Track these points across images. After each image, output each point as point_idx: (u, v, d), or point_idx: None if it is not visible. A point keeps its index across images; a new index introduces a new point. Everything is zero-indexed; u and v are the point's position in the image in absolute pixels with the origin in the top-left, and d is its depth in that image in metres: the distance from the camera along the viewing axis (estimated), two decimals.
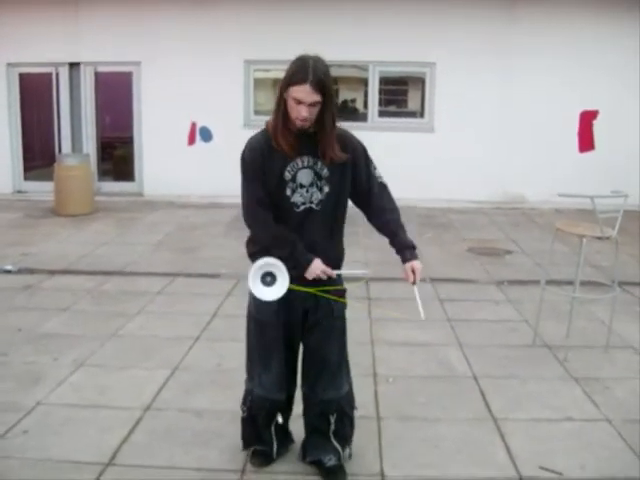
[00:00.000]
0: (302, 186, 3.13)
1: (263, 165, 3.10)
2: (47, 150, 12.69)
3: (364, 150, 3.29)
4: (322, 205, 3.17)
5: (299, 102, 2.94)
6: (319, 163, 3.13)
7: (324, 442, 3.45)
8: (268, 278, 3.00)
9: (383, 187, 3.31)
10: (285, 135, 3.05)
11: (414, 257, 3.21)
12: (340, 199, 3.23)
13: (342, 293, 3.36)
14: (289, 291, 3.18)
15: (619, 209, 5.08)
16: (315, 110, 2.99)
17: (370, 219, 3.35)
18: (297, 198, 3.14)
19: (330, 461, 3.45)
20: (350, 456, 3.56)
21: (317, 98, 2.95)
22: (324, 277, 3.11)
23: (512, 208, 11.70)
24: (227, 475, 3.53)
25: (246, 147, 3.18)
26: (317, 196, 3.15)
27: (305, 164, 3.12)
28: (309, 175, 3.13)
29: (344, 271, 3.19)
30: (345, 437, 3.50)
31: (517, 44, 11.52)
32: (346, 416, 3.46)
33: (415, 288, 3.16)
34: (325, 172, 3.14)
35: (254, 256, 3.23)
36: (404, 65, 12.12)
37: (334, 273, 3.14)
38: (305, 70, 2.93)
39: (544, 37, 11.41)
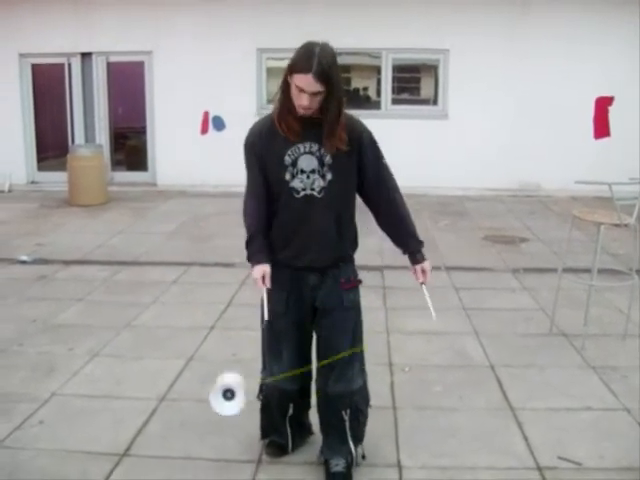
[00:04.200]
0: (303, 172, 3.07)
1: (261, 149, 3.10)
2: (60, 141, 12.67)
3: (371, 139, 3.19)
4: (325, 193, 3.09)
5: (301, 90, 2.88)
6: (322, 150, 3.05)
7: (338, 442, 3.37)
8: (228, 394, 3.09)
9: (391, 178, 3.24)
10: (288, 120, 3.02)
11: (424, 258, 3.30)
12: (346, 188, 3.15)
13: (353, 283, 3.29)
14: (299, 280, 3.22)
15: (637, 196, 5.01)
16: (317, 99, 2.92)
17: (378, 214, 3.29)
18: (297, 184, 3.08)
19: (337, 467, 3.34)
20: (364, 457, 3.48)
21: (320, 88, 2.88)
22: (260, 285, 3.14)
23: (528, 196, 11.61)
24: (243, 465, 3.51)
25: (248, 131, 3.21)
26: (319, 183, 3.08)
27: (307, 150, 3.06)
28: (311, 161, 3.06)
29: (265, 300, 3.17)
30: (359, 435, 3.43)
31: (531, 29, 11.39)
32: (360, 413, 3.38)
33: (424, 288, 3.14)
34: (328, 159, 3.06)
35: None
36: (418, 52, 12.03)
37: (264, 288, 3.15)
38: (309, 59, 2.85)
39: (560, 21, 11.27)
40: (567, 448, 3.65)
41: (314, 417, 3.62)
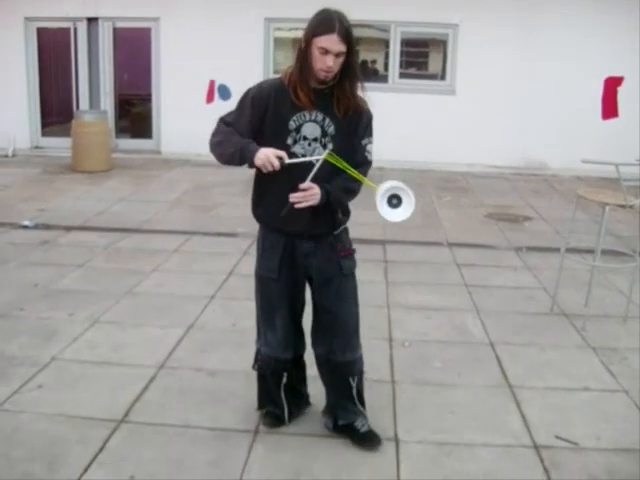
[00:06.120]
0: (305, 138, 3.10)
1: (266, 107, 3.09)
2: (65, 106, 12.60)
3: (370, 119, 3.24)
4: (323, 162, 3.09)
5: (326, 52, 2.93)
6: (327, 120, 3.10)
7: (352, 406, 3.47)
8: (394, 200, 2.97)
9: (366, 163, 3.23)
10: (304, 89, 3.03)
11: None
12: (344, 158, 3.11)
13: (349, 250, 3.31)
14: (293, 247, 3.22)
15: None
16: (339, 61, 2.98)
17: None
18: (298, 149, 3.10)
19: (363, 427, 3.47)
20: (367, 418, 3.54)
21: (343, 48, 2.94)
22: (277, 163, 2.90)
23: (533, 174, 11.56)
24: (240, 435, 3.52)
25: (254, 86, 3.18)
26: (319, 152, 3.10)
27: (313, 118, 3.09)
28: (315, 129, 3.10)
29: (301, 159, 3.01)
30: (362, 399, 3.52)
31: (541, 7, 11.26)
32: (363, 378, 3.49)
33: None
34: (331, 130, 3.11)
35: (260, 218, 3.29)
36: (426, 26, 11.89)
37: (284, 154, 2.94)
38: (331, 21, 2.93)
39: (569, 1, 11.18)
40: (564, 428, 3.66)
41: (312, 389, 3.64)
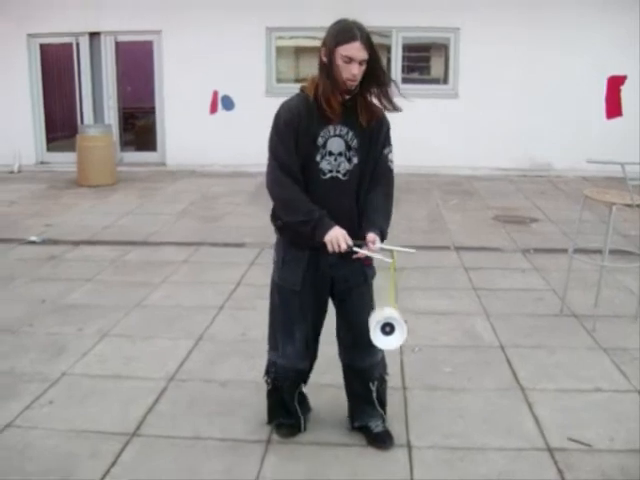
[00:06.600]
0: (331, 154, 3.11)
1: (298, 129, 3.06)
2: (69, 121, 12.69)
3: (388, 127, 3.26)
4: (349, 176, 3.15)
5: (350, 60, 2.95)
6: (350, 133, 3.11)
7: (370, 408, 3.50)
8: (387, 328, 3.07)
9: (389, 172, 3.27)
10: (335, 98, 3.03)
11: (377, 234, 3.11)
12: (367, 169, 3.20)
13: (371, 260, 3.32)
14: (317, 258, 3.20)
15: None
16: (363, 69, 2.99)
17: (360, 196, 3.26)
18: (324, 165, 3.11)
19: (377, 427, 3.50)
20: (385, 420, 3.56)
21: (366, 56, 2.97)
22: (344, 246, 2.99)
23: (538, 176, 11.54)
24: (252, 445, 3.51)
25: (282, 109, 3.12)
26: (345, 166, 3.13)
27: (337, 132, 3.10)
28: (339, 144, 3.11)
29: (368, 253, 3.07)
30: (384, 400, 3.56)
31: (543, 9, 11.24)
32: (384, 382, 3.52)
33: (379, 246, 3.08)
34: (355, 143, 3.13)
35: (282, 229, 3.25)
36: (428, 31, 11.92)
37: (351, 243, 3.02)
38: (351, 29, 2.96)
39: (572, 1, 11.16)
40: (577, 429, 3.63)
41: (319, 396, 3.64)
